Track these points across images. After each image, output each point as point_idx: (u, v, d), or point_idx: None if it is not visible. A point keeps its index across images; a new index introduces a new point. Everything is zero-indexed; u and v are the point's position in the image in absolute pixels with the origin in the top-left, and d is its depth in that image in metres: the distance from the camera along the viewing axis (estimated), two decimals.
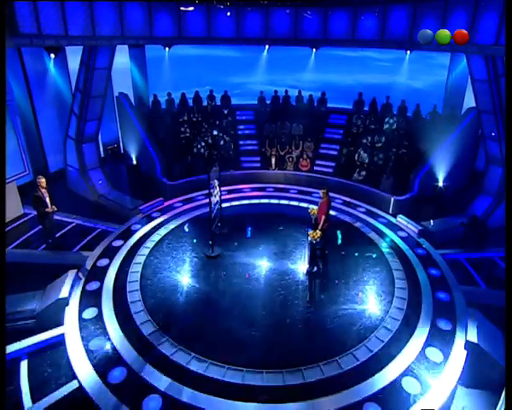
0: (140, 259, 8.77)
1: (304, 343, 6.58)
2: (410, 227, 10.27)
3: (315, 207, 8.95)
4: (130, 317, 7.02)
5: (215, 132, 14.37)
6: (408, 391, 5.59)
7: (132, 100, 14.84)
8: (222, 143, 14.16)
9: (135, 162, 13.93)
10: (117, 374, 5.83)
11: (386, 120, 14.06)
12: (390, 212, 11.33)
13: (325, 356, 6.17)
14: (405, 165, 12.48)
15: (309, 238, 8.17)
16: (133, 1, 10.68)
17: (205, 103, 15.57)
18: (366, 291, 7.87)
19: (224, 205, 10.57)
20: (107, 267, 8.40)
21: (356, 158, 13.44)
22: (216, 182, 9.07)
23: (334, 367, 6.01)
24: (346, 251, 9.26)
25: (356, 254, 9.19)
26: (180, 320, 7.10)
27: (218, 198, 9.27)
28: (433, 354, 6.24)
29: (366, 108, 14.98)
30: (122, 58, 15.09)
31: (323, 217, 8.27)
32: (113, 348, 6.28)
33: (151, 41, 11.55)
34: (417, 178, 11.85)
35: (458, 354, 6.17)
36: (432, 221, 10.53)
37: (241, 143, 15.01)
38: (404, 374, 5.87)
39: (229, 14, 12.04)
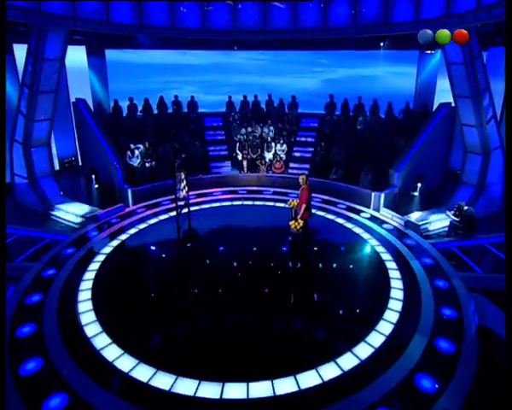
0: (95, 266, 7.47)
1: (293, 347, 5.52)
2: (396, 219, 9.63)
3: (294, 200, 8.10)
4: (78, 330, 5.71)
5: (183, 137, 13.42)
6: (421, 389, 4.65)
7: (91, 106, 13.70)
8: (190, 147, 13.18)
9: (93, 170, 12.60)
10: (55, 403, 4.48)
11: (359, 120, 13.73)
12: (371, 207, 10.67)
13: (322, 358, 5.15)
14: (382, 162, 12.01)
15: (290, 229, 7.23)
16: None
17: (170, 109, 14.72)
18: (359, 284, 7.05)
19: (193, 208, 9.55)
20: (53, 278, 7.05)
21: (332, 156, 12.85)
22: (182, 175, 8.02)
23: (332, 370, 4.98)
24: (332, 246, 8.49)
25: (342, 247, 8.43)
26: (141, 332, 5.86)
27: (185, 192, 8.17)
28: (444, 345, 5.36)
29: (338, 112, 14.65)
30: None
31: (304, 205, 7.38)
32: (54, 371, 4.94)
33: (108, 28, 10.48)
34: (397, 173, 11.34)
35: (471, 342, 5.34)
36: (416, 213, 9.95)
37: (211, 148, 14.11)
38: (415, 370, 4.94)
39: (184, 10, 11.31)
